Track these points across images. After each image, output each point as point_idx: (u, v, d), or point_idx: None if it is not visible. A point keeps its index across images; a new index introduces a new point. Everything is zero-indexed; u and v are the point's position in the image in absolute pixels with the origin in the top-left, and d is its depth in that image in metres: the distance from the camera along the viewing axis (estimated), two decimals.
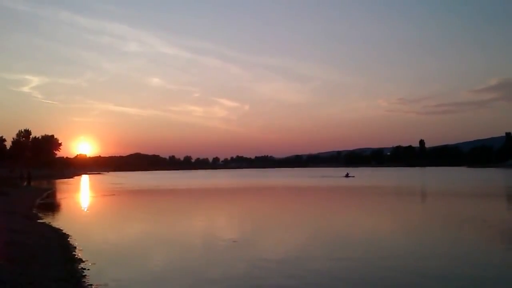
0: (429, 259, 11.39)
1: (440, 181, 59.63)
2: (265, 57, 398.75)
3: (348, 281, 9.51)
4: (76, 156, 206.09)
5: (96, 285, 8.96)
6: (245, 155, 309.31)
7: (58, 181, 75.79)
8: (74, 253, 12.09)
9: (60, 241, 13.72)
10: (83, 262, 10.99)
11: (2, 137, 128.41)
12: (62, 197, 37.55)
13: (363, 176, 79.65)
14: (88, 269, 10.20)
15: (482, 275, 9.93)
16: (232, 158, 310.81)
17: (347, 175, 74.28)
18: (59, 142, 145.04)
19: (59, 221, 19.49)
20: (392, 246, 13.53)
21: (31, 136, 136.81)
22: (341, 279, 9.69)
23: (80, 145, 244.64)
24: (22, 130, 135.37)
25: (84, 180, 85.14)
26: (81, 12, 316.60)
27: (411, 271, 10.28)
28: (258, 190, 46.49)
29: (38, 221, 19.30)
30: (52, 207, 28.32)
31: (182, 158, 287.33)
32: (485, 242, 13.90)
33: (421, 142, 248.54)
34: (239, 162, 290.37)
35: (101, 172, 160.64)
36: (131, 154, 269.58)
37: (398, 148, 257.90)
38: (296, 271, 10.38)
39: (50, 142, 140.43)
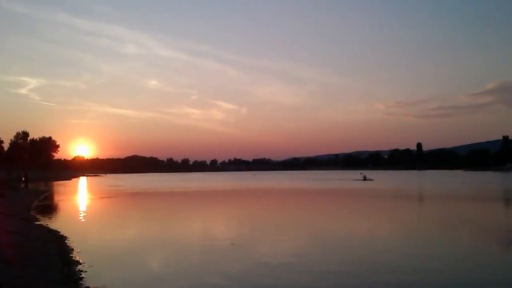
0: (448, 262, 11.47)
1: (448, 184, 59.45)
2: (263, 60, 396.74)
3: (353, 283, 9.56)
4: (74, 158, 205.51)
5: (93, 287, 9.00)
6: (242, 158, 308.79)
7: (55, 183, 75.63)
8: (71, 255, 12.12)
9: (57, 243, 13.73)
10: (81, 264, 11.03)
11: None
12: (60, 199, 37.54)
13: (378, 179, 77.99)
14: (86, 272, 10.22)
15: (482, 277, 10.02)
16: (229, 160, 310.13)
17: (364, 178, 73.67)
18: (57, 144, 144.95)
19: (57, 223, 19.50)
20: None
21: (28, 138, 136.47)
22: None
23: (78, 147, 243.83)
24: (20, 132, 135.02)
25: (82, 182, 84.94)
26: (79, 14, 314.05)
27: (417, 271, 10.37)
28: (276, 194, 45.40)
29: (36, 223, 19.31)
30: (50, 209, 28.32)
31: (179, 161, 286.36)
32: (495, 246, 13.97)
33: (419, 145, 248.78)
34: (236, 165, 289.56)
35: (98, 174, 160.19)
36: (129, 157, 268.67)
37: (395, 151, 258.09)
38: (296, 272, 10.42)
39: (48, 144, 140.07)
